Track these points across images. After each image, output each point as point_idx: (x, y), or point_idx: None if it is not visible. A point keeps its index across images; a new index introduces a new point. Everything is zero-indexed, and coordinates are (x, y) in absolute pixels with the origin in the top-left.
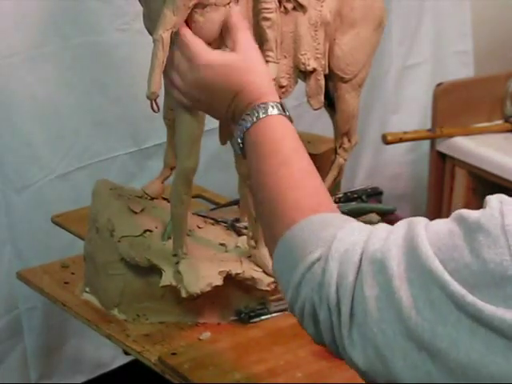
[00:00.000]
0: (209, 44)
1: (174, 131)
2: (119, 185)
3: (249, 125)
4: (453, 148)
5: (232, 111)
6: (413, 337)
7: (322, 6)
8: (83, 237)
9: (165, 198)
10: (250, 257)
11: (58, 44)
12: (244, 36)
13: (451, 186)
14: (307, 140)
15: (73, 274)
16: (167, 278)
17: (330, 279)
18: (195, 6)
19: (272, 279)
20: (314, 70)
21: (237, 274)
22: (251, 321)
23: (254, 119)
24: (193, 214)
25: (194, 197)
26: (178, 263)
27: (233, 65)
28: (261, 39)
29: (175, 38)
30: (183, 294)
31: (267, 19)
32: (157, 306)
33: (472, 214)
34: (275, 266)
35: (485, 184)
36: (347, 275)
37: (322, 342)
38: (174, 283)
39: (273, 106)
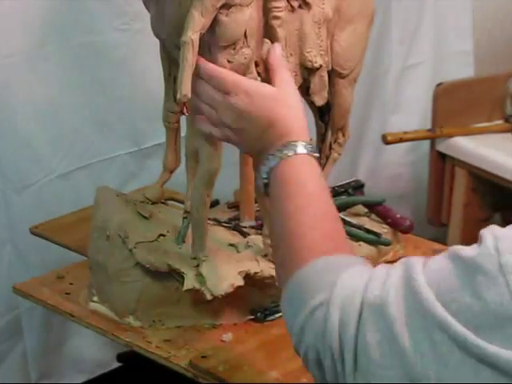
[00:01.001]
0: (233, 44)
1: (173, 134)
2: (119, 191)
3: (276, 162)
4: (453, 148)
5: (263, 143)
6: (417, 381)
7: (324, 4)
8: (69, 246)
9: (163, 202)
10: (265, 255)
11: (58, 44)
12: (283, 72)
13: (451, 186)
14: None
15: (71, 284)
16: (190, 282)
17: (332, 327)
18: (221, 6)
19: None
20: (321, 66)
21: (255, 273)
22: (267, 319)
23: (283, 157)
24: None
25: (166, 199)
26: (197, 266)
27: (270, 96)
28: (270, 38)
29: (198, 70)
30: (208, 297)
31: (277, 18)
32: (173, 310)
33: (468, 253)
34: (283, 307)
35: (485, 184)
36: (349, 322)
37: None
38: (197, 286)
39: (302, 146)
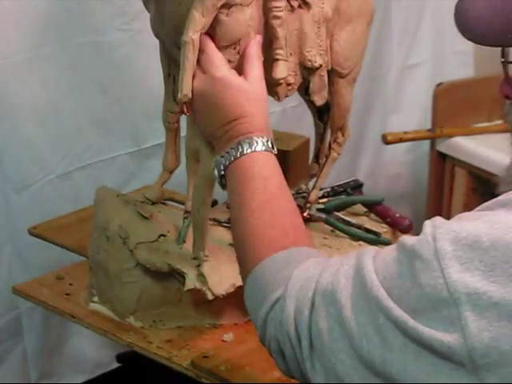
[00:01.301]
0: (233, 44)
1: (173, 134)
2: (119, 191)
3: (232, 158)
4: (453, 148)
5: (223, 134)
6: (367, 364)
7: (323, 3)
8: (67, 246)
9: (163, 202)
10: None
11: (58, 44)
12: (257, 67)
13: (451, 186)
14: (276, 137)
15: (71, 284)
16: (191, 282)
17: (288, 317)
18: (221, 6)
19: None
20: (320, 66)
21: None
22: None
23: (238, 154)
24: None
25: (166, 199)
26: (199, 266)
27: (243, 90)
28: (271, 38)
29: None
30: (209, 297)
31: (278, 17)
32: (174, 310)
33: (410, 241)
34: (246, 302)
35: (485, 184)
36: (303, 310)
37: (292, 376)
38: (198, 286)
39: (262, 142)
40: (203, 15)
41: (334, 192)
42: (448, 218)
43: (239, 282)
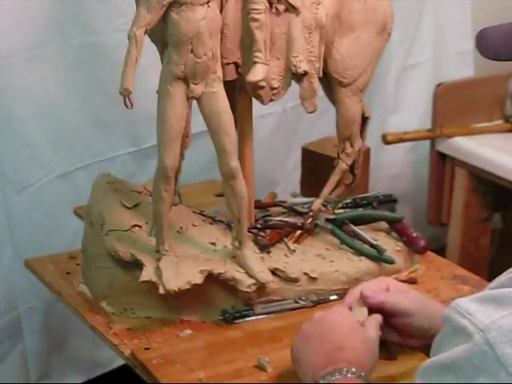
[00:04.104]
0: (186, 43)
1: None
2: (121, 179)
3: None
4: (453, 148)
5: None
6: None
7: (317, 9)
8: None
9: None
10: (233, 257)
11: (58, 44)
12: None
13: (451, 185)
14: (333, 144)
15: (77, 265)
16: (147, 274)
17: None
18: (171, 4)
19: (253, 281)
20: (306, 72)
21: (219, 274)
22: (235, 321)
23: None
24: (193, 211)
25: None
26: (159, 259)
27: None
28: (250, 40)
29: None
30: (161, 291)
31: (255, 20)
32: (143, 300)
33: (457, 355)
34: None
35: (485, 184)
36: None
37: None
38: (153, 279)
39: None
40: (148, 11)
41: (355, 204)
42: (448, 218)
43: (196, 280)
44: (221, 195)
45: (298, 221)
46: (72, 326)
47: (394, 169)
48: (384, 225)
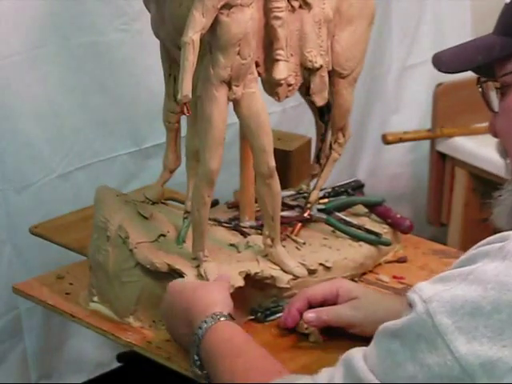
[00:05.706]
0: (233, 45)
1: (174, 134)
2: (119, 191)
3: (201, 336)
4: (453, 148)
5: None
6: None
7: (324, 4)
8: (68, 246)
9: (163, 202)
10: (266, 255)
11: (58, 44)
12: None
13: (451, 186)
14: (277, 137)
15: (71, 284)
16: None
17: None
18: (222, 7)
19: (291, 276)
20: (321, 66)
21: (256, 274)
22: (267, 319)
23: (204, 331)
24: None
25: (166, 199)
26: (198, 266)
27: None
28: (271, 38)
29: None
30: None
31: (278, 18)
32: None
33: (394, 326)
34: None
35: (485, 184)
36: None
37: None
38: None
39: (216, 317)
40: (203, 16)
41: (335, 192)
42: (448, 218)
43: (238, 283)
44: (167, 199)
45: (293, 214)
46: (72, 326)
47: (394, 169)
48: (363, 209)
